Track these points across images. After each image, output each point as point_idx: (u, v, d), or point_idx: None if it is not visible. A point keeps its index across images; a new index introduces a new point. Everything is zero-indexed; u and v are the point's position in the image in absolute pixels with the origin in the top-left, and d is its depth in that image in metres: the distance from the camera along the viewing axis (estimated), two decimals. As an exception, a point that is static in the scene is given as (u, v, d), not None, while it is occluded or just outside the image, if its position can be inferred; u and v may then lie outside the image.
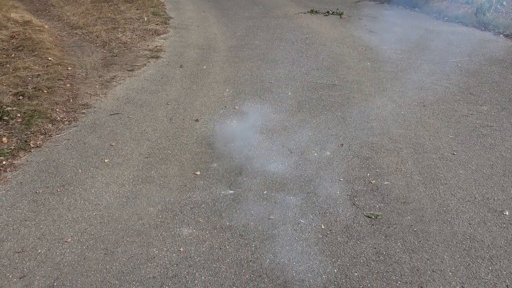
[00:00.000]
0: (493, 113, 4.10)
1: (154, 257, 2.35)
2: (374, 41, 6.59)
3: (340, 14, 8.48)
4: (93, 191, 2.92)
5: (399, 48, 6.24)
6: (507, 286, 2.16)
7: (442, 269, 2.26)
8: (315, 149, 3.46)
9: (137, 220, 2.64)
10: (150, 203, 2.81)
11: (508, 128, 3.81)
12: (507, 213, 2.69)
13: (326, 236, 2.51)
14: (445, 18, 8.22)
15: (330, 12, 8.68)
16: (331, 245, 2.44)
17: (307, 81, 4.91)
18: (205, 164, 3.27)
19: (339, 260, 2.33)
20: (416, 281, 2.18)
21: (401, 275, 2.22)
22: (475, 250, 2.38)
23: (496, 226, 2.57)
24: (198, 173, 3.18)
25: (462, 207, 2.75)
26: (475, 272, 2.23)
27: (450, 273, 2.23)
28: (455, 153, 3.39)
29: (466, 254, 2.35)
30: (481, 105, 4.28)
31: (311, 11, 8.78)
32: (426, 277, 2.21)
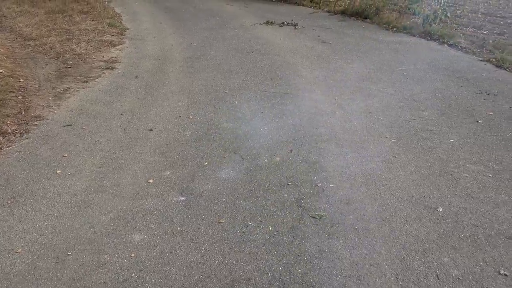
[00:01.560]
0: (433, 118, 4.37)
1: (105, 263, 2.39)
2: (326, 51, 6.82)
3: (295, 25, 8.69)
4: (44, 202, 2.92)
5: (349, 57, 6.50)
6: (437, 275, 2.35)
7: (379, 262, 2.41)
8: (265, 155, 3.57)
9: (88, 229, 2.67)
10: (102, 211, 2.83)
11: (446, 131, 4.07)
12: (440, 210, 2.89)
13: (273, 236, 2.62)
14: (394, 29, 8.58)
15: (285, 23, 8.88)
16: (277, 245, 2.55)
17: (261, 90, 5.05)
18: (158, 172, 3.33)
19: (284, 259, 2.44)
20: (355, 274, 2.33)
21: (341, 270, 2.36)
22: (410, 245, 2.56)
23: (430, 222, 2.77)
24: (151, 181, 3.24)
25: (400, 205, 2.93)
26: (409, 264, 2.40)
27: (386, 266, 2.39)
28: (396, 156, 3.59)
29: (401, 248, 2.52)
30: (422, 110, 4.54)
31: (267, 22, 8.95)
32: (364, 271, 2.36)
